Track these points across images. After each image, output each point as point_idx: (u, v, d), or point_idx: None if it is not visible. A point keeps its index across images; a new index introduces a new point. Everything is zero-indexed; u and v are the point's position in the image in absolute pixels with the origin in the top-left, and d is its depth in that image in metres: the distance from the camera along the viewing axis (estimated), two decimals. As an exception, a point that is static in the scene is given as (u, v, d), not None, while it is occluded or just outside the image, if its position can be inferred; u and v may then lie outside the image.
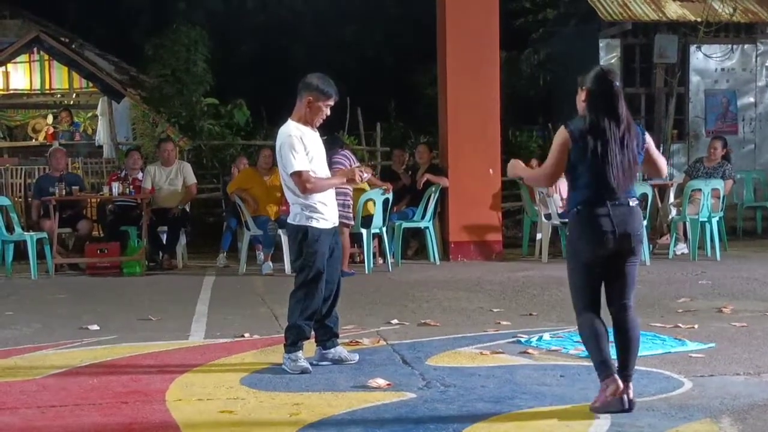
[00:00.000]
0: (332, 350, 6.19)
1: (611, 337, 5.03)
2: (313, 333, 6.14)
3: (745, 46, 15.83)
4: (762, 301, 8.39)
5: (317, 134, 6.21)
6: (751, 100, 15.94)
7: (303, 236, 5.98)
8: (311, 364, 6.04)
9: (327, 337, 6.20)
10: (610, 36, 15.63)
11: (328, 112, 6.14)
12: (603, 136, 4.91)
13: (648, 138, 5.14)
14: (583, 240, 4.98)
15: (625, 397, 4.83)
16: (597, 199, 4.93)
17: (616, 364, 4.95)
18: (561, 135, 5.03)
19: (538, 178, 5.45)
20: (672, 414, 4.90)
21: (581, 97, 5.11)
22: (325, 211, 6.06)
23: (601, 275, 5.00)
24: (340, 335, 6.34)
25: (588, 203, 4.94)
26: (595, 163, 4.92)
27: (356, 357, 6.22)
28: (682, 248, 12.13)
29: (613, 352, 5.03)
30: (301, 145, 5.98)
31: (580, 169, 4.97)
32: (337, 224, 6.20)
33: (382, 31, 21.77)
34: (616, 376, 4.87)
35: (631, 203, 4.98)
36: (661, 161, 5.27)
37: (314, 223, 6.00)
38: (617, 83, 5.05)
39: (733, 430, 4.65)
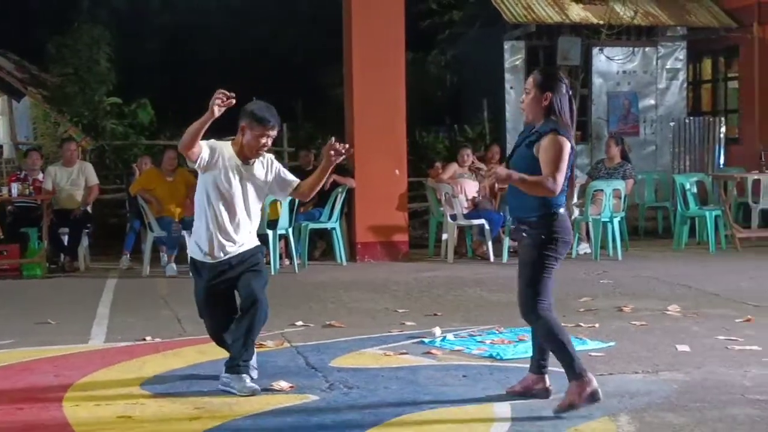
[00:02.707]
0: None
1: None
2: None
3: (646, 48, 16.18)
4: (661, 300, 8.57)
5: (255, 167, 5.63)
6: (652, 102, 16.30)
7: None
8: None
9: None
10: (515, 38, 15.81)
11: (268, 143, 5.59)
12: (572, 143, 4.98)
13: None
14: (562, 241, 5.03)
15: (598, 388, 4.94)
16: (565, 203, 5.07)
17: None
18: (564, 143, 4.94)
19: (546, 188, 4.90)
20: (571, 413, 4.96)
21: (544, 101, 5.03)
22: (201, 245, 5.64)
23: None
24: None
25: (563, 206, 5.04)
26: (569, 168, 5.01)
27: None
28: (584, 248, 12.33)
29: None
30: (211, 150, 5.52)
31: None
32: (221, 259, 5.62)
33: (291, 31, 21.70)
34: (590, 374, 4.98)
35: None
36: None
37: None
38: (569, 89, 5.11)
39: (630, 428, 4.74)
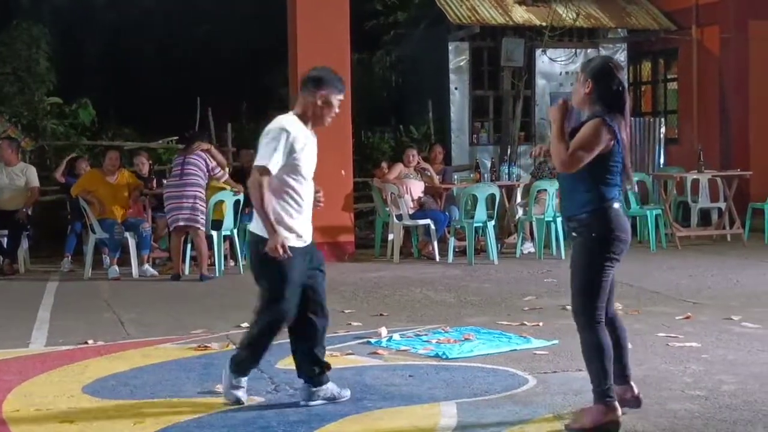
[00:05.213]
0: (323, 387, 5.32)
1: None
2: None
3: (588, 50, 16.32)
4: (603, 298, 8.65)
5: (314, 136, 5.43)
6: (594, 103, 16.47)
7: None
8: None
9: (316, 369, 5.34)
10: (459, 39, 15.87)
11: (338, 110, 5.51)
12: (620, 134, 4.69)
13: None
14: (617, 239, 4.69)
15: (620, 419, 4.66)
16: (620, 196, 4.77)
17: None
18: (605, 130, 4.64)
19: (561, 158, 4.68)
20: (517, 411, 5.01)
21: (585, 89, 4.77)
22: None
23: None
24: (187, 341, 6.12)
25: (617, 200, 4.74)
26: (619, 161, 4.74)
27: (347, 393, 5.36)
28: (528, 247, 12.43)
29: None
30: (286, 145, 5.14)
31: (610, 166, 4.71)
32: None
33: (236, 31, 21.55)
34: (617, 404, 4.67)
35: None
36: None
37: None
38: (624, 79, 4.80)
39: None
